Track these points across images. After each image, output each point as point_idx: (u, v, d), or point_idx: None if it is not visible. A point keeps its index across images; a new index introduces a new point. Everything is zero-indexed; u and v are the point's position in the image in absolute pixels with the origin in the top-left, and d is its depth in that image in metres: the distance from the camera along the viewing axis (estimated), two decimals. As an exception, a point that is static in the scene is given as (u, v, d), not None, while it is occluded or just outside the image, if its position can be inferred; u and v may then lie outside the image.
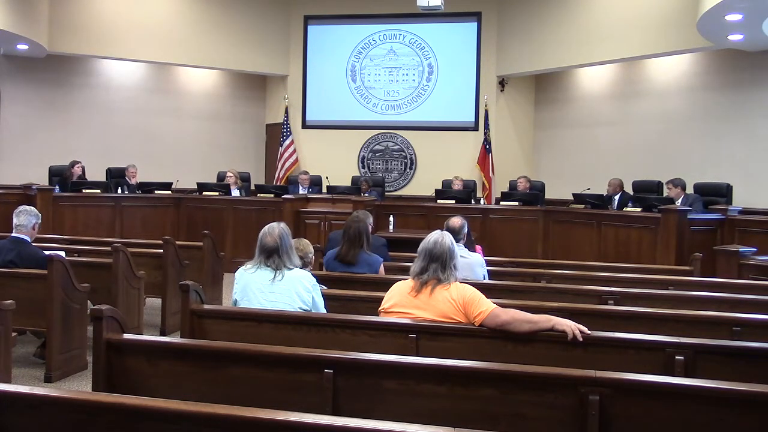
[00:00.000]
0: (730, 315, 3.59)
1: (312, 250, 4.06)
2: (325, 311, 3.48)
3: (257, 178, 11.62)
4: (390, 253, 5.31)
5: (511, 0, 10.89)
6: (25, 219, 4.75)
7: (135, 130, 11.11)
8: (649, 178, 8.91)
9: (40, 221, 4.88)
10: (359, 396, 2.50)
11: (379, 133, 11.49)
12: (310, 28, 11.61)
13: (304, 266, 3.69)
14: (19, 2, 8.59)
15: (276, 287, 3.37)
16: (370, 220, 4.82)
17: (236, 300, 3.46)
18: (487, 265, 4.82)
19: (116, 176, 9.79)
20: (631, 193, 8.73)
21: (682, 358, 2.73)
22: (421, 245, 3.20)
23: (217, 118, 11.91)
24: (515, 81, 11.26)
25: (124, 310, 4.90)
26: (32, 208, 4.89)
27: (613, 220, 7.88)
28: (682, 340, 2.82)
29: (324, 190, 10.09)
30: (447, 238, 3.19)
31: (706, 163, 8.86)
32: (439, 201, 9.36)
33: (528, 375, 2.41)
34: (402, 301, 3.15)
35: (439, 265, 3.10)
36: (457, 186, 9.90)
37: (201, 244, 6.50)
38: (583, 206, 8.39)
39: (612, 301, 4.11)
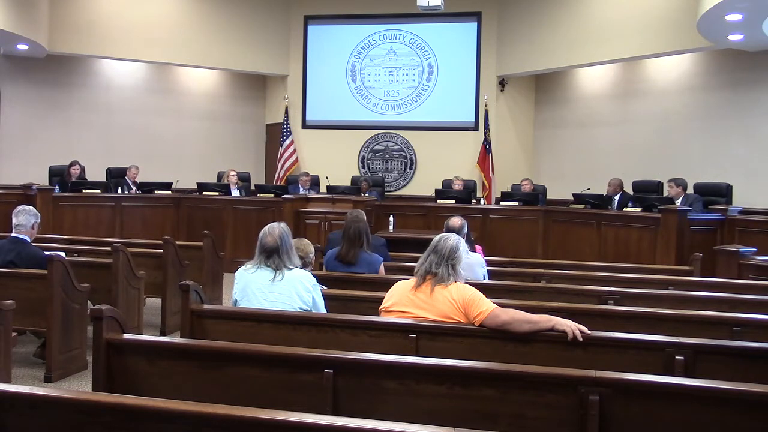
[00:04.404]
0: (730, 315, 3.59)
1: (312, 250, 4.06)
2: (325, 311, 3.48)
3: (257, 178, 11.62)
4: (390, 253, 5.31)
5: (511, 0, 10.89)
6: (24, 219, 4.74)
7: (135, 130, 11.11)
8: (649, 178, 8.92)
9: (39, 221, 4.87)
10: (359, 396, 2.50)
11: (379, 133, 11.49)
12: (310, 28, 11.61)
13: (304, 266, 3.69)
14: (19, 2, 8.59)
15: (276, 287, 3.37)
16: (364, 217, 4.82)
17: (236, 300, 3.46)
18: (487, 265, 4.82)
19: (116, 176, 9.80)
20: (631, 193, 8.73)
21: (682, 358, 2.73)
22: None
23: (217, 118, 11.91)
24: (515, 81, 11.26)
25: (124, 310, 4.90)
26: (31, 207, 4.88)
27: (613, 220, 7.88)
28: (682, 340, 2.82)
29: (324, 190, 10.09)
30: (453, 238, 3.21)
31: (706, 163, 8.86)
32: (439, 201, 9.36)
33: (528, 375, 2.41)
34: (402, 301, 3.15)
35: (439, 259, 3.11)
36: (457, 186, 9.90)
37: (201, 244, 6.50)
38: (583, 206, 8.39)
39: (612, 301, 4.10)
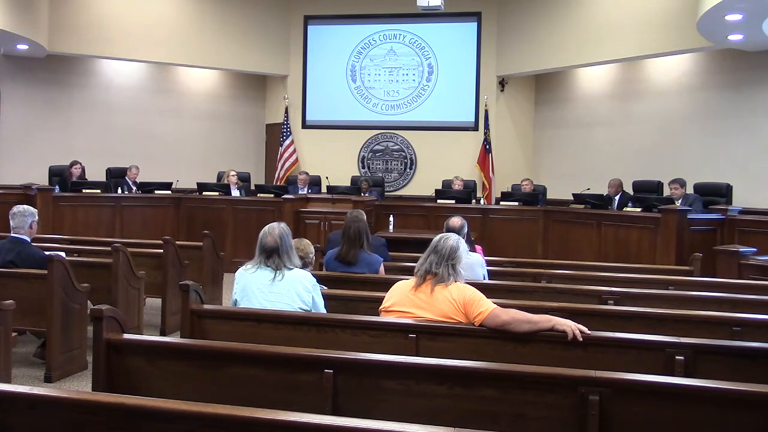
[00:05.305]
0: (730, 315, 3.59)
1: (312, 250, 4.06)
2: (325, 311, 3.48)
3: (257, 178, 11.62)
4: (390, 253, 5.31)
5: (511, 0, 10.89)
6: (20, 220, 4.72)
7: (135, 130, 11.12)
8: (649, 178, 8.92)
9: (36, 219, 4.83)
10: (359, 396, 2.50)
11: (379, 133, 11.49)
12: (310, 28, 11.61)
13: (304, 266, 3.69)
14: (19, 2, 8.59)
15: (276, 287, 3.37)
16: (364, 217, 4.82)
17: (236, 300, 3.46)
18: (487, 265, 4.82)
19: (116, 176, 9.80)
20: (632, 193, 8.73)
21: (682, 358, 2.73)
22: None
23: (217, 118, 11.91)
24: (515, 81, 11.26)
25: (124, 310, 4.90)
26: (27, 207, 4.84)
27: (613, 220, 7.88)
28: (682, 340, 2.82)
29: (324, 190, 10.09)
30: (453, 238, 3.21)
31: (706, 163, 8.86)
32: (439, 201, 9.36)
33: (528, 375, 2.41)
34: (402, 301, 3.15)
35: (439, 259, 3.11)
36: (457, 186, 9.90)
37: (201, 244, 6.50)
38: (583, 206, 8.39)
39: (612, 301, 4.11)
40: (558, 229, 8.57)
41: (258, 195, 9.47)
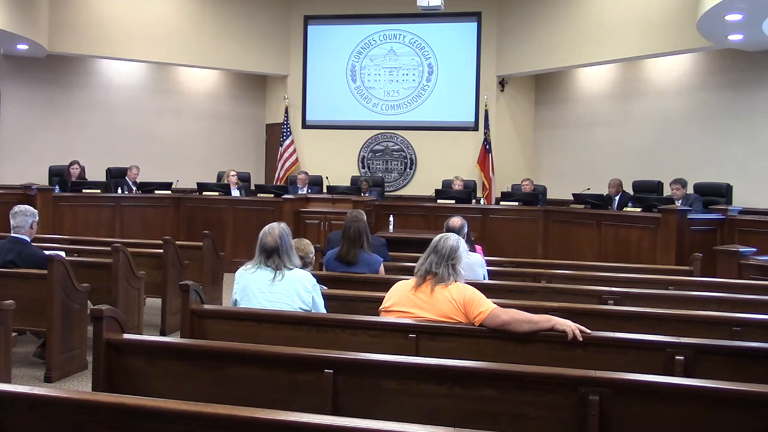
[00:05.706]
0: (730, 315, 3.59)
1: (312, 250, 4.06)
2: (325, 311, 3.48)
3: (257, 178, 11.62)
4: (390, 253, 5.31)
5: (511, 0, 10.89)
6: (21, 220, 4.73)
7: (135, 130, 11.11)
8: (649, 178, 8.92)
9: (37, 219, 4.83)
10: (359, 396, 2.50)
11: (379, 133, 11.49)
12: (310, 28, 11.61)
13: (304, 266, 3.69)
14: (19, 2, 8.59)
15: (276, 287, 3.37)
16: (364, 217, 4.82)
17: (236, 300, 3.46)
18: (487, 265, 4.82)
19: (116, 176, 9.80)
20: (632, 193, 8.73)
21: (682, 358, 2.73)
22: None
23: (217, 118, 11.91)
24: (515, 81, 11.26)
25: (124, 310, 4.90)
26: (27, 207, 4.84)
27: (613, 220, 7.88)
28: (682, 340, 2.82)
29: (324, 190, 10.09)
30: (453, 238, 3.21)
31: (706, 163, 8.86)
32: (439, 201, 9.36)
33: (528, 375, 2.41)
34: (402, 300, 3.15)
35: (439, 259, 3.11)
36: (457, 186, 9.90)
37: (201, 244, 6.50)
38: (583, 206, 8.39)
39: (612, 301, 4.11)
40: (558, 229, 8.57)
41: (258, 195, 9.47)
